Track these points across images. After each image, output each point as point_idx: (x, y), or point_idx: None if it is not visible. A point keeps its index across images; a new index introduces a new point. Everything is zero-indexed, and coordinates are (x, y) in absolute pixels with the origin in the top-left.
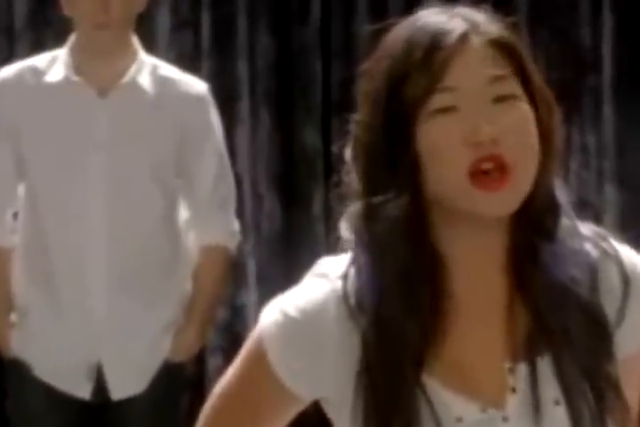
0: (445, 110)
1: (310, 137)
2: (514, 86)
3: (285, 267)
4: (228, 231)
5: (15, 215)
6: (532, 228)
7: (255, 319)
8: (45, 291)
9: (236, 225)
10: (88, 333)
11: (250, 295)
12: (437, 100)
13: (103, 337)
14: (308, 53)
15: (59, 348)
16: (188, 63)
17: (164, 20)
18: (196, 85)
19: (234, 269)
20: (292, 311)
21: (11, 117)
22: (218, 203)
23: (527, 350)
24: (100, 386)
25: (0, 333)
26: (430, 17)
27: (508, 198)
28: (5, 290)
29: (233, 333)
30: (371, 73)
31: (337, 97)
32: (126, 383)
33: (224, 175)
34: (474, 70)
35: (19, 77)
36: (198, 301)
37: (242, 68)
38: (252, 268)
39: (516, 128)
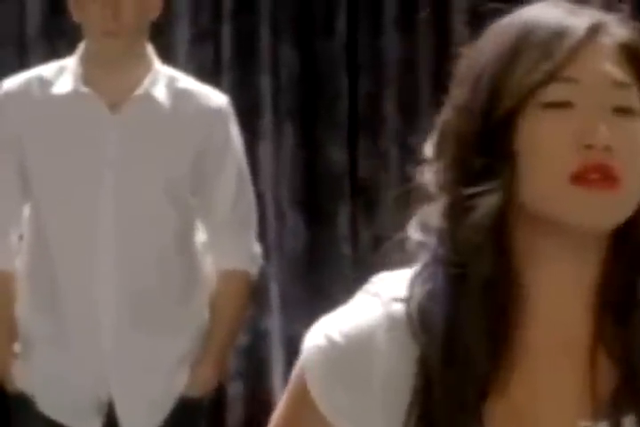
0: (559, 105)
1: (336, 154)
2: (635, 99)
3: (310, 290)
4: (248, 255)
5: (21, 237)
6: (631, 263)
7: (279, 344)
8: (51, 319)
9: (257, 248)
10: (97, 364)
11: (273, 319)
12: (553, 92)
13: (113, 369)
14: (333, 67)
15: (65, 381)
16: (208, 77)
17: (182, 31)
18: (216, 98)
19: (255, 291)
20: (337, 336)
21: (15, 131)
22: (237, 224)
23: (610, 407)
24: (111, 423)
25: (2, 364)
26: (547, 10)
27: (611, 206)
28: (9, 317)
29: (255, 359)
30: (473, 54)
31: (364, 112)
32: (139, 420)
33: (244, 194)
34: (600, 68)
35: (24, 88)
36: (216, 330)
37: (264, 82)
38: (274, 290)
39: (632, 146)
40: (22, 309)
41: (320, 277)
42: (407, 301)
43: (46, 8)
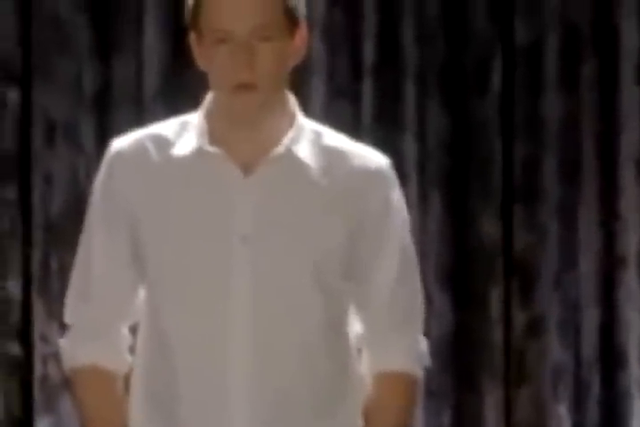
0: None
1: (488, 227)
2: None
3: (457, 379)
4: (413, 354)
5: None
6: None
7: None
8: None
9: (424, 344)
10: None
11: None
12: None
13: None
14: (486, 129)
15: None
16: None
17: (318, 87)
18: (374, 158)
19: None
20: None
21: (128, 201)
22: (400, 315)
23: None
24: None
25: None
26: None
27: None
28: (117, 423)
29: None
30: None
31: (520, 180)
32: None
33: (408, 277)
34: None
35: (138, 149)
36: None
37: (409, 145)
38: None
39: None
40: (136, 417)
41: (468, 365)
42: None
43: (166, 62)
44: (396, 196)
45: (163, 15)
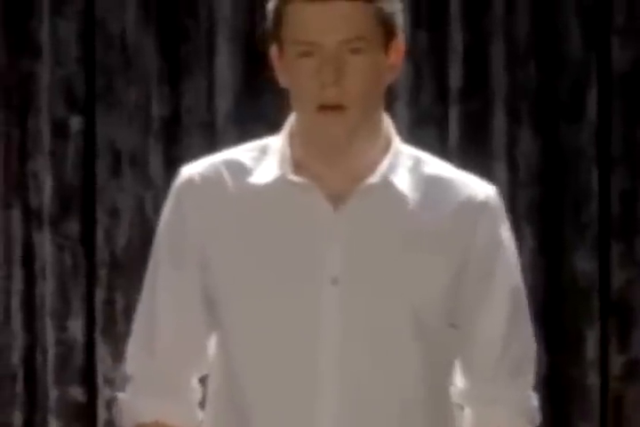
0: None
1: (583, 263)
2: None
3: (551, 425)
4: (524, 411)
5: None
6: None
7: None
8: None
9: (535, 400)
10: None
11: None
12: None
13: None
14: (581, 159)
15: None
16: None
17: (402, 112)
18: (482, 188)
19: None
20: None
21: (199, 234)
22: (510, 365)
23: None
24: None
25: None
26: None
27: None
28: None
29: None
30: None
31: (618, 213)
32: None
33: (520, 321)
34: None
35: (211, 176)
36: None
37: (499, 175)
38: None
39: None
40: None
41: (563, 410)
42: None
43: (238, 86)
44: (506, 230)
45: (234, 36)
